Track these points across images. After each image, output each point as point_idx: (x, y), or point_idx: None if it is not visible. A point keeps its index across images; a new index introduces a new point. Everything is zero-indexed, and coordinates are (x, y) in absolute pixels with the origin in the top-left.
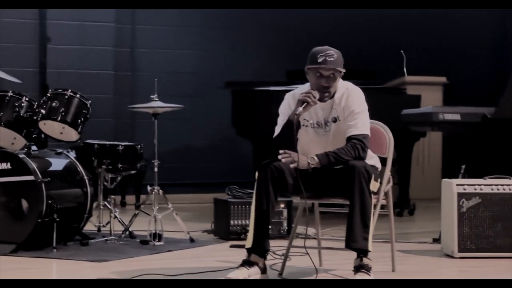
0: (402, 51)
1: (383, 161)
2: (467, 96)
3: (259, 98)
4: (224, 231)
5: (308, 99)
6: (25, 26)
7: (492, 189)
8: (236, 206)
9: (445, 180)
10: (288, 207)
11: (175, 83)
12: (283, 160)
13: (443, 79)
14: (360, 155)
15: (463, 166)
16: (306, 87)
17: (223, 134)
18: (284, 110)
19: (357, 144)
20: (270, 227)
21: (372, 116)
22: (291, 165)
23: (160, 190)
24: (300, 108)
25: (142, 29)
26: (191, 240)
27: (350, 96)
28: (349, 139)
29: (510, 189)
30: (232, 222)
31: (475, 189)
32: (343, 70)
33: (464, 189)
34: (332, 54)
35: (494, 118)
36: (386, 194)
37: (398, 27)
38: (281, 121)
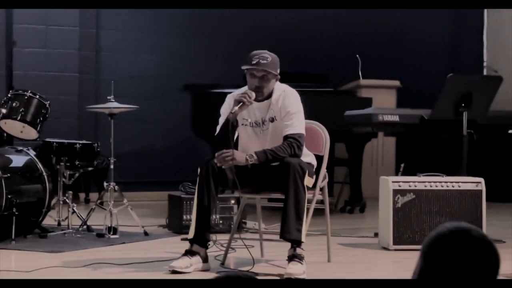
0: (357, 55)
1: (320, 159)
2: (420, 99)
3: (214, 100)
4: (177, 225)
5: (243, 99)
6: None
7: (425, 186)
8: (188, 202)
9: (382, 177)
10: (238, 203)
11: (137, 85)
12: (218, 163)
13: (396, 82)
14: (296, 153)
15: (402, 165)
16: (246, 88)
17: (182, 135)
18: (225, 110)
19: (293, 142)
20: (222, 222)
21: (323, 118)
22: (223, 166)
23: (116, 186)
24: (236, 108)
25: (105, 33)
26: (145, 233)
27: (287, 98)
28: (286, 138)
29: (442, 186)
30: (184, 216)
31: (409, 186)
32: (276, 73)
33: (399, 186)
34: (266, 57)
35: (431, 120)
36: (322, 189)
37: (353, 31)
38: (221, 120)
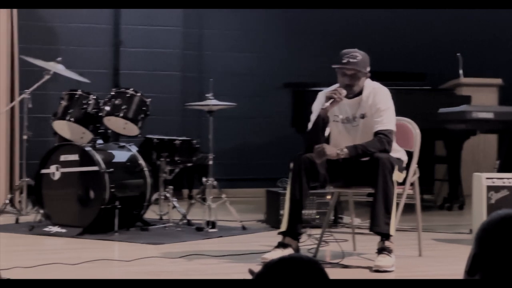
0: (459, 54)
1: (411, 155)
2: None
3: (314, 98)
4: (274, 220)
5: (334, 95)
6: (100, 30)
7: None
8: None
9: (475, 174)
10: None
11: (237, 83)
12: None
13: (498, 80)
14: (386, 148)
15: (497, 162)
16: (337, 85)
17: (279, 132)
18: (316, 107)
19: (382, 138)
20: (317, 216)
21: (420, 116)
22: (316, 160)
23: (215, 182)
24: (327, 104)
25: (207, 33)
26: (243, 228)
27: (377, 95)
28: (376, 133)
29: None
30: (281, 211)
31: (503, 183)
32: (366, 71)
33: (493, 182)
34: (356, 56)
35: None
36: (412, 184)
37: (453, 30)
38: (313, 117)
